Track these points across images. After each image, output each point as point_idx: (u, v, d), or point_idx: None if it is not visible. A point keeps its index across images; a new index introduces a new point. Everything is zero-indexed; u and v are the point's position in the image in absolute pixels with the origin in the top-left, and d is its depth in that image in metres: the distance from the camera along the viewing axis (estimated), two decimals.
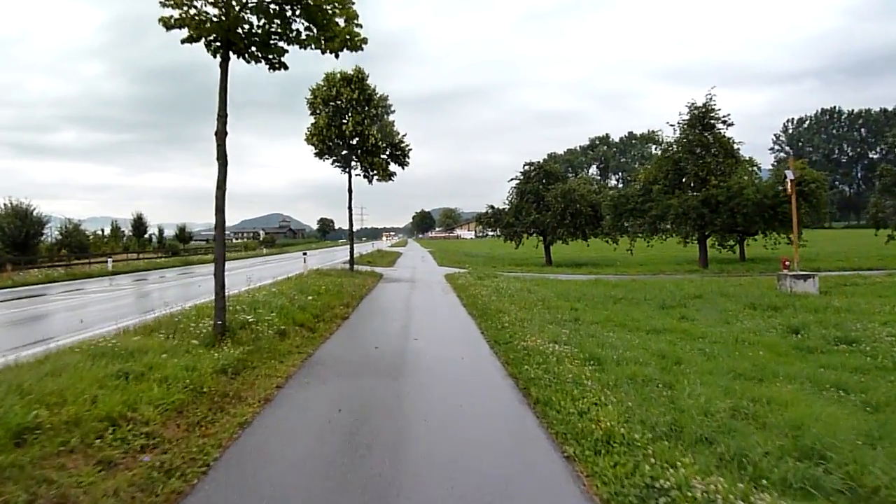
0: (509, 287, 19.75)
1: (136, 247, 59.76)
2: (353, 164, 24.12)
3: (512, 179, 48.64)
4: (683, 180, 33.49)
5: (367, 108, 23.08)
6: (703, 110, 33.66)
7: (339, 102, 23.12)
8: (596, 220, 44.53)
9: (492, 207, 47.90)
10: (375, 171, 23.68)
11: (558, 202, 43.37)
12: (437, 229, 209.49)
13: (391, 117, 24.51)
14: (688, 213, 31.95)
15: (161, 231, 67.64)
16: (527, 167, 47.60)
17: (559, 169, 49.54)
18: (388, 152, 24.49)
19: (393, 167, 24.77)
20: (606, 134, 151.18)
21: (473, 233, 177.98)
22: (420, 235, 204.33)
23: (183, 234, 69.99)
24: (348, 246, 28.53)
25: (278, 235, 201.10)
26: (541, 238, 46.63)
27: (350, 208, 24.52)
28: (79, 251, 50.60)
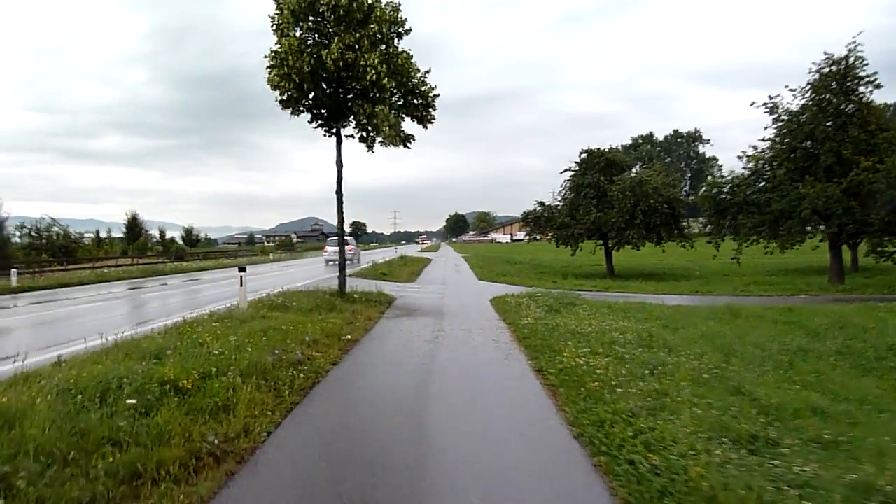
0: (618, 331, 10.72)
1: (132, 250, 51.87)
2: (343, 119, 14.85)
3: (566, 170, 39.67)
4: (820, 160, 23.54)
5: (364, 26, 13.87)
6: (843, 67, 23.83)
7: (317, 16, 14.01)
8: (674, 219, 35.07)
9: (542, 204, 38.73)
10: (379, 131, 14.65)
11: (627, 197, 34.53)
12: (472, 233, 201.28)
13: (404, 44, 15.19)
14: (830, 207, 22.12)
15: (162, 233, 59.50)
16: (585, 155, 38.43)
17: (625, 158, 39.79)
18: (399, 99, 15.16)
19: (409, 125, 15.93)
20: (650, 132, 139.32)
21: (509, 236, 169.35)
22: (454, 239, 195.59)
23: (190, 237, 61.96)
24: (382, 248, 19.88)
25: (311, 238, 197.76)
26: (599, 242, 37.49)
27: (339, 192, 15.29)
28: (63, 256, 43.05)
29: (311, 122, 15.07)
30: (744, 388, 7.40)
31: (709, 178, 28.74)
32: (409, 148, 15.42)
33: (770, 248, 25.58)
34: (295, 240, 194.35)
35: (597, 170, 37.17)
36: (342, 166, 15.28)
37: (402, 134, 14.90)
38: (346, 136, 15.27)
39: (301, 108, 14.77)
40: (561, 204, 38.01)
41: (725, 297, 21.03)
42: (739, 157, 27.56)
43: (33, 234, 41.68)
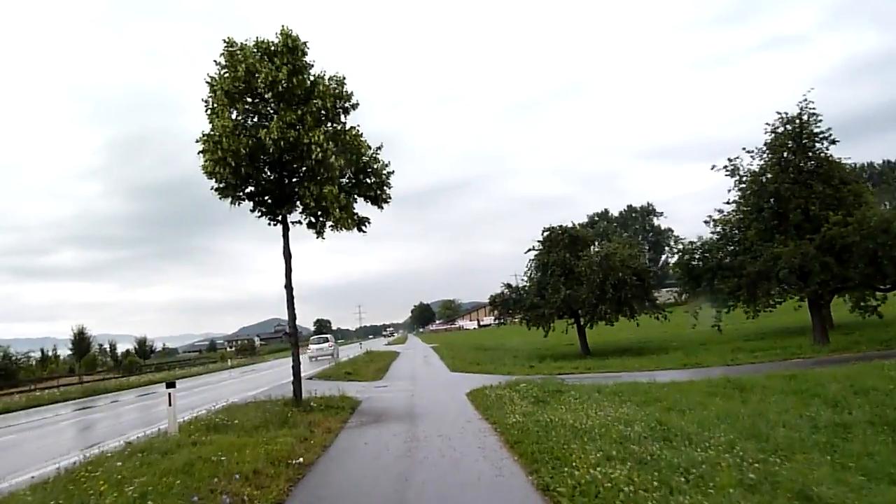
0: (622, 422, 9.07)
1: (80, 367, 48.44)
2: (289, 204, 13.24)
3: (530, 250, 38.63)
4: (789, 218, 22.78)
5: (306, 103, 12.52)
6: (797, 125, 23.54)
7: (254, 93, 12.66)
8: (644, 290, 34.09)
9: (508, 286, 37.35)
10: (329, 214, 12.93)
11: (595, 272, 33.21)
12: (438, 322, 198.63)
13: (352, 121, 13.75)
14: (807, 264, 21.16)
15: (113, 346, 55.97)
16: (547, 233, 37.57)
17: (587, 233, 39.03)
18: (350, 179, 13.64)
19: (363, 206, 14.13)
20: (605, 209, 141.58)
21: (476, 323, 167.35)
22: (420, 329, 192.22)
23: (143, 348, 58.47)
24: (347, 345, 17.78)
25: (274, 340, 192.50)
26: (571, 320, 36.08)
27: (289, 286, 13.43)
28: (3, 379, 39.79)
29: (252, 210, 13.44)
30: (809, 489, 5.71)
31: (679, 244, 27.60)
32: (364, 232, 13.85)
33: (751, 313, 24.36)
34: (258, 342, 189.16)
35: (561, 247, 36.15)
36: (290, 257, 13.57)
37: (355, 216, 13.37)
38: (293, 223, 13.67)
39: (241, 196, 13.17)
40: (528, 284, 36.74)
41: (716, 368, 19.65)
42: (706, 223, 26.79)
43: None
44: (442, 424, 11.21)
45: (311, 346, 47.27)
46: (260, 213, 13.58)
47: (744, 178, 24.93)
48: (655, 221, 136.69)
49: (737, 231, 25.02)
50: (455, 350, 44.16)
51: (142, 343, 58.23)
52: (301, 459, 8.24)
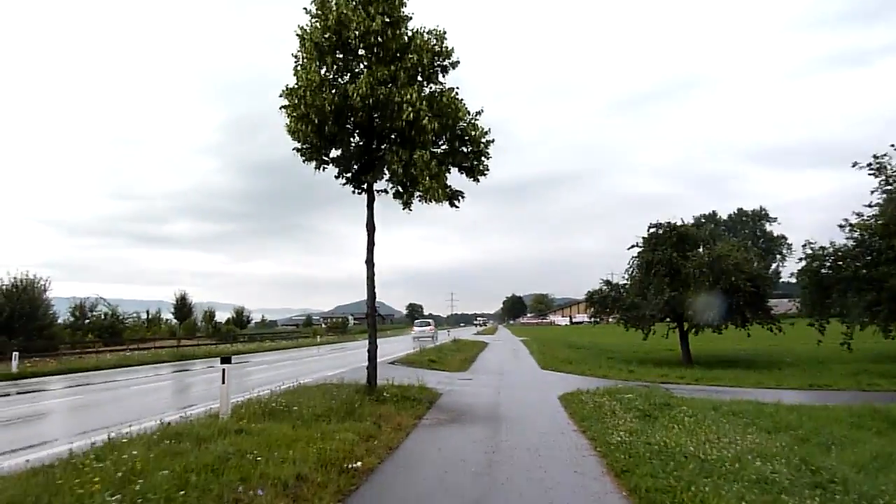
0: (757, 455, 7.12)
1: (181, 331, 50.03)
2: (375, 171, 11.85)
3: (633, 247, 35.95)
4: None
5: (401, 57, 11.12)
6: None
7: (345, 46, 11.33)
8: (759, 298, 30.77)
9: (608, 283, 34.97)
10: (418, 182, 11.30)
11: (704, 275, 30.05)
12: (529, 315, 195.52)
13: (449, 80, 12.00)
14: None
15: (212, 313, 57.49)
16: (653, 229, 34.78)
17: (698, 232, 35.92)
18: (444, 145, 12.28)
19: (457, 179, 12.48)
20: (713, 211, 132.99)
21: (568, 319, 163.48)
22: (511, 321, 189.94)
23: (240, 318, 59.92)
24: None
25: (366, 320, 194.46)
26: (672, 324, 33.33)
27: (370, 261, 12.04)
28: (110, 337, 41.30)
29: (337, 176, 12.23)
30: None
31: (808, 249, 24.55)
32: (456, 207, 12.33)
33: (893, 332, 21.12)
34: (352, 322, 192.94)
35: (668, 245, 33.40)
36: (373, 230, 12.25)
37: (447, 189, 11.86)
38: (379, 192, 12.31)
39: (325, 159, 11.98)
40: (629, 283, 34.30)
41: (848, 392, 16.98)
42: (841, 227, 23.57)
43: (76, 314, 40.14)
44: (530, 433, 9.56)
45: (416, 328, 53.90)
46: (345, 181, 12.35)
47: (891, 179, 21.64)
48: (767, 227, 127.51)
49: (879, 239, 21.81)
50: (546, 345, 42.15)
51: (239, 313, 59.81)
52: (359, 464, 6.82)
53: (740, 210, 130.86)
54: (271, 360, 28.19)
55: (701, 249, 33.36)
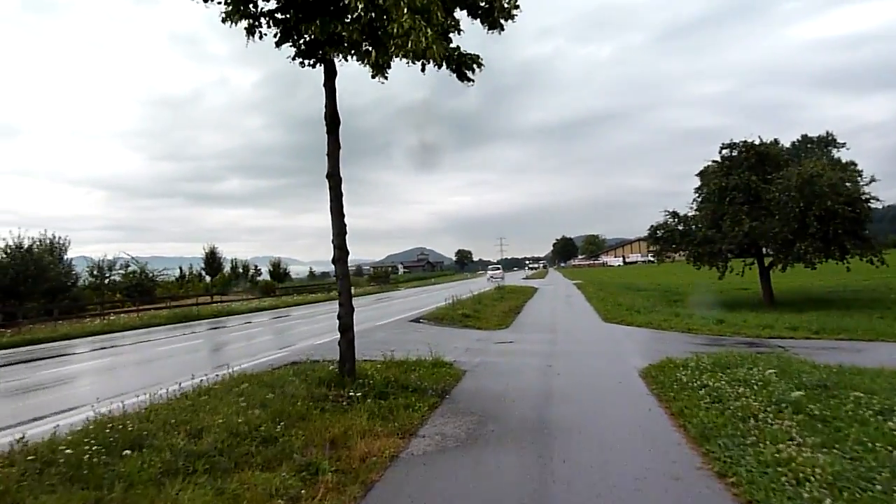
0: None
1: (213, 288, 46.85)
2: (329, 16, 6.95)
3: (702, 172, 30.36)
4: None
5: None
6: None
7: None
8: (859, 225, 25.19)
9: (675, 215, 29.62)
10: (393, 26, 5.99)
11: (794, 199, 24.79)
12: (581, 257, 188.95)
13: None
14: None
15: (246, 268, 54.19)
16: (726, 150, 29.28)
17: (779, 151, 30.04)
18: None
19: (469, 39, 7.33)
20: (775, 139, 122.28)
21: (621, 259, 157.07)
22: (562, 264, 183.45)
23: (277, 272, 56.32)
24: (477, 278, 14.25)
25: (416, 268, 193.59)
26: (750, 260, 28.60)
27: (333, 175, 7.36)
28: (139, 296, 38.35)
29: (278, 45, 7.43)
30: None
31: None
32: (468, 80, 7.35)
33: None
34: (401, 270, 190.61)
35: (745, 167, 27.83)
36: (338, 124, 7.44)
37: (445, 40, 6.88)
38: (339, 57, 7.40)
39: (258, 19, 7.18)
40: (698, 213, 28.80)
41: None
42: None
43: (95, 273, 37.04)
44: (612, 471, 4.92)
45: (489, 272, 74.00)
46: (295, 52, 7.54)
47: None
48: (835, 153, 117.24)
49: None
50: (604, 290, 36.70)
51: (276, 266, 56.15)
52: None
53: (805, 137, 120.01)
54: (278, 319, 24.10)
55: (787, 171, 27.57)
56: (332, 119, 7.40)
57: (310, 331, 17.63)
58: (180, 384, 7.32)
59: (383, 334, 15.19)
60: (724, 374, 7.86)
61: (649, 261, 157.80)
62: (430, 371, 8.88)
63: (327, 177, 7.45)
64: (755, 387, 7.13)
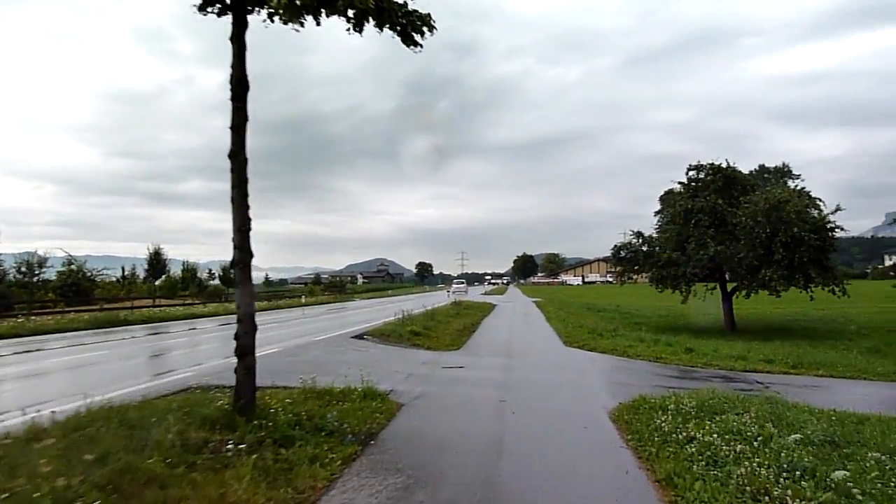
0: None
1: (158, 291, 44.16)
2: None
3: (668, 193, 29.55)
4: None
5: None
6: None
7: None
8: (824, 254, 24.59)
9: (639, 235, 28.66)
10: None
11: (760, 225, 23.90)
12: (540, 275, 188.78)
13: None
14: None
15: (193, 271, 51.25)
16: (693, 172, 28.44)
17: (746, 176, 29.41)
18: None
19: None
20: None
21: (580, 279, 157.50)
22: (522, 281, 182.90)
23: (228, 276, 53.46)
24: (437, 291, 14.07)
25: (376, 279, 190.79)
26: (712, 285, 28.05)
27: (237, 144, 5.84)
28: (74, 296, 35.75)
29: None
30: None
31: None
32: (416, 46, 5.84)
33: None
34: (360, 280, 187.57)
35: (711, 190, 27.02)
36: (247, 88, 5.81)
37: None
38: (253, 9, 5.72)
39: None
40: (662, 235, 27.82)
41: None
42: None
43: (23, 270, 34.16)
44: None
45: (454, 286, 75.56)
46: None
47: None
48: (791, 184, 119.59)
49: None
50: (564, 309, 35.33)
51: (226, 270, 53.14)
52: None
53: (762, 167, 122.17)
54: (201, 330, 22.04)
55: (754, 196, 26.86)
56: (240, 83, 5.74)
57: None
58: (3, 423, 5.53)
59: (317, 352, 13.38)
60: (712, 423, 6.40)
61: (608, 281, 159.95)
62: (357, 405, 7.17)
63: (230, 156, 5.77)
64: (754, 443, 5.69)
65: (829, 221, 25.10)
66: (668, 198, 29.88)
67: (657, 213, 31.71)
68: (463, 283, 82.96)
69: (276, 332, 18.77)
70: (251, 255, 5.95)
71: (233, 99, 5.76)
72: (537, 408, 8.16)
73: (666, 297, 31.02)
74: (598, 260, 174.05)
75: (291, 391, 7.63)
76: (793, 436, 6.04)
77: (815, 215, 24.79)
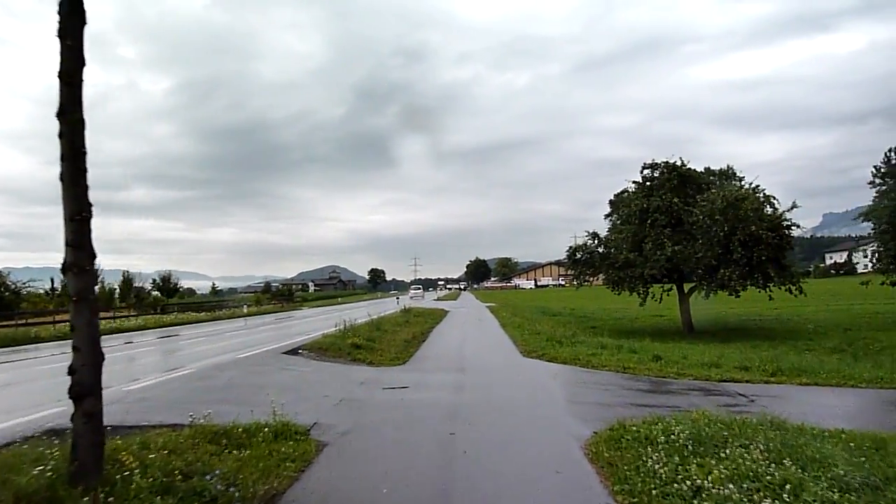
0: None
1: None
2: None
3: (622, 193, 28.56)
4: None
5: None
6: None
7: None
8: (781, 252, 24.50)
9: (595, 236, 27.56)
10: None
11: (717, 223, 23.13)
12: (493, 279, 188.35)
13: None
14: None
15: (129, 281, 47.94)
16: (648, 170, 27.55)
17: (700, 174, 28.64)
18: None
19: None
20: None
21: (533, 282, 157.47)
22: (476, 286, 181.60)
23: (167, 286, 50.06)
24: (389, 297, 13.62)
25: (328, 286, 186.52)
26: (668, 285, 26.89)
27: (70, 53, 4.26)
28: None
29: None
30: None
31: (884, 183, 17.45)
32: None
33: None
34: (312, 288, 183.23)
35: (667, 189, 26.14)
36: (82, 68, 4.20)
37: None
38: None
39: None
40: (616, 235, 26.68)
41: None
42: None
43: None
44: None
45: (412, 291, 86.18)
46: None
47: None
48: (736, 186, 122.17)
49: None
50: (519, 314, 33.68)
51: (165, 279, 49.87)
52: None
53: (708, 169, 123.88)
54: (109, 348, 19.93)
55: (710, 193, 26.12)
56: (72, 13, 4.04)
57: (141, 367, 13.05)
58: None
59: (234, 373, 11.38)
60: (717, 462, 4.97)
61: (560, 284, 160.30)
62: (263, 451, 5.43)
63: (58, 115, 4.04)
64: (784, 494, 4.26)
65: (786, 219, 24.53)
66: (620, 199, 28.83)
67: (607, 215, 30.79)
68: (420, 288, 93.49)
69: (201, 349, 16.76)
70: (93, 257, 4.23)
71: (61, 35, 4.05)
72: (496, 442, 6.52)
73: (620, 300, 30.03)
74: (551, 263, 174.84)
75: (180, 432, 5.87)
76: (824, 480, 4.66)
77: (771, 213, 24.15)
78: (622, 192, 28.53)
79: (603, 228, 29.06)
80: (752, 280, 23.63)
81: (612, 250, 26.07)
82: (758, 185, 25.26)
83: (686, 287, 26.88)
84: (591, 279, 28.66)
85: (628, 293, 26.02)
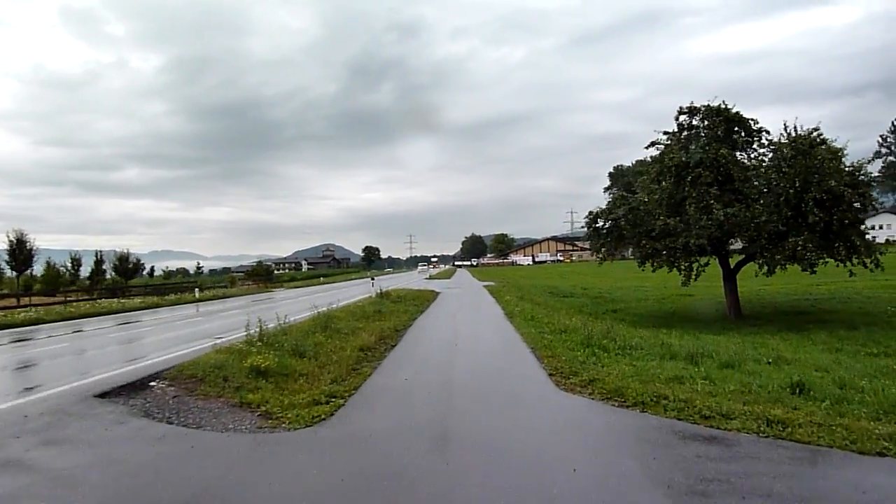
0: None
1: (41, 285, 35.04)
2: None
3: (652, 144, 22.32)
4: None
5: None
6: None
7: None
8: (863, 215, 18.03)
9: (623, 199, 21.56)
10: None
11: (785, 178, 17.04)
12: (489, 255, 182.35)
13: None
14: None
15: (77, 261, 41.74)
16: (686, 117, 21.52)
17: (751, 120, 22.19)
18: None
19: None
20: None
21: (530, 258, 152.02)
22: (473, 263, 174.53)
23: (124, 266, 43.47)
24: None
25: (322, 264, 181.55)
26: (704, 259, 20.56)
27: None
28: None
29: None
30: None
31: None
32: None
33: None
34: (305, 266, 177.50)
35: (710, 138, 20.26)
36: None
37: None
38: None
39: None
40: (648, 197, 20.54)
41: None
42: None
43: None
44: None
45: (419, 267, 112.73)
46: None
47: None
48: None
49: None
50: (526, 297, 26.28)
51: (122, 259, 43.26)
52: None
53: None
54: (18, 345, 14.05)
55: (769, 140, 20.17)
56: None
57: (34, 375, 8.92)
58: None
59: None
60: None
61: (558, 260, 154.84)
62: None
63: None
64: None
65: (867, 172, 18.79)
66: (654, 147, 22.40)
67: (607, 189, 25.09)
68: (425, 265, 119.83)
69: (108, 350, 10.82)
70: None
71: None
72: None
73: (632, 275, 24.15)
74: (547, 239, 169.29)
75: None
76: None
77: (850, 166, 18.28)
78: (651, 143, 22.27)
79: (602, 203, 23.12)
80: (832, 251, 17.81)
81: (645, 215, 20.08)
82: (818, 129, 19.21)
83: (732, 261, 21.00)
84: (617, 253, 22.71)
85: (667, 269, 20.13)
